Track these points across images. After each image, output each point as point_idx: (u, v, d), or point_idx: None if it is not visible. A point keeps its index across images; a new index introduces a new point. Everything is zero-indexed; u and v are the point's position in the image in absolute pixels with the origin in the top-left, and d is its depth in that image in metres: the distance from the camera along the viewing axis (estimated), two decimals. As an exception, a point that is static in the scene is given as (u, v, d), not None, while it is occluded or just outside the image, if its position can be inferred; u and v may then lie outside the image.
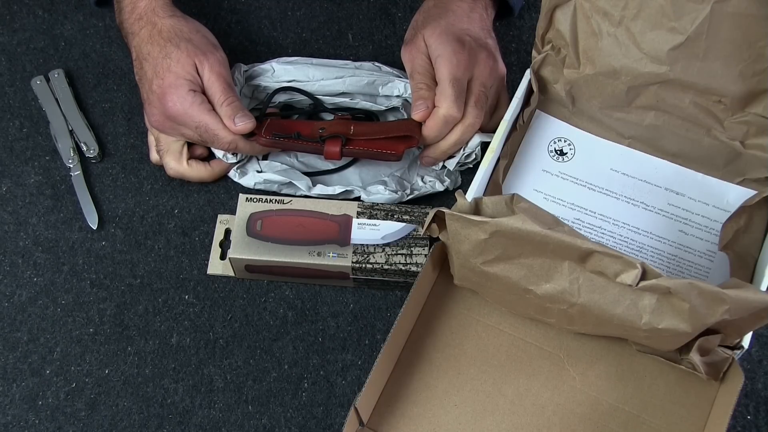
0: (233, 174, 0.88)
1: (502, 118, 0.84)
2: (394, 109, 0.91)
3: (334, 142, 0.83)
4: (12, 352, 0.82)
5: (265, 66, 0.90)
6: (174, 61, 0.82)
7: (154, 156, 0.88)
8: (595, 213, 0.83)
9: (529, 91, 0.87)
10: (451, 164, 0.86)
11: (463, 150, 0.85)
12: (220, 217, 0.87)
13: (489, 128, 0.87)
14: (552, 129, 0.87)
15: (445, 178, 0.87)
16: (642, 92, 0.84)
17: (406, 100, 0.89)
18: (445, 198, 0.88)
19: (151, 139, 0.88)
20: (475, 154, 0.86)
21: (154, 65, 0.83)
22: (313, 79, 0.89)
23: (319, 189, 0.86)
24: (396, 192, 0.86)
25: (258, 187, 0.87)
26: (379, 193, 0.86)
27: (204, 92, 0.84)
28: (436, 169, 0.88)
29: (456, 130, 0.83)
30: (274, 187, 0.87)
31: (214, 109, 0.83)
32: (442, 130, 0.82)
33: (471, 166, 0.88)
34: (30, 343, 0.83)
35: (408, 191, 0.87)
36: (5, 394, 0.81)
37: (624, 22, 0.80)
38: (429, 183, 0.87)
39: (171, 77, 0.82)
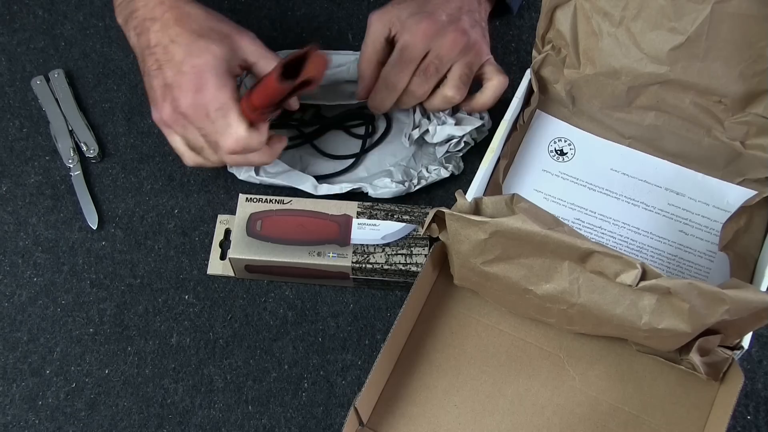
0: (237, 170, 0.88)
1: (487, 96, 0.85)
2: None
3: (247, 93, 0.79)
4: (12, 352, 0.82)
5: None
6: (213, 41, 0.79)
7: (194, 158, 0.83)
8: (595, 213, 0.83)
9: (530, 91, 0.87)
10: (439, 152, 0.87)
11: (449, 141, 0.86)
12: (220, 217, 0.87)
13: (477, 106, 0.87)
14: (552, 129, 0.87)
15: (447, 164, 0.88)
16: (642, 92, 0.84)
17: None
18: (446, 198, 0.88)
19: (179, 141, 0.83)
20: (465, 141, 0.87)
21: (187, 45, 0.79)
22: None
23: (325, 189, 0.86)
24: (403, 183, 0.86)
25: (263, 183, 0.87)
26: (387, 187, 0.86)
27: (242, 71, 0.82)
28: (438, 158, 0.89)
29: (399, 98, 0.85)
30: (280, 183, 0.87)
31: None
32: (382, 92, 0.84)
33: (461, 154, 0.89)
34: (30, 343, 0.83)
35: (415, 181, 0.87)
36: (5, 394, 0.81)
37: (624, 22, 0.80)
38: (434, 171, 0.87)
39: (208, 57, 0.78)
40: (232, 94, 0.78)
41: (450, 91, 0.84)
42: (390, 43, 0.85)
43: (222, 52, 0.79)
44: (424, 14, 0.83)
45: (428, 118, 0.87)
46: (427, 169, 0.88)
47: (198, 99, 0.78)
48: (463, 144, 0.87)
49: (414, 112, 0.88)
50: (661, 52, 0.80)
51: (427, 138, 0.87)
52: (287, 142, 0.84)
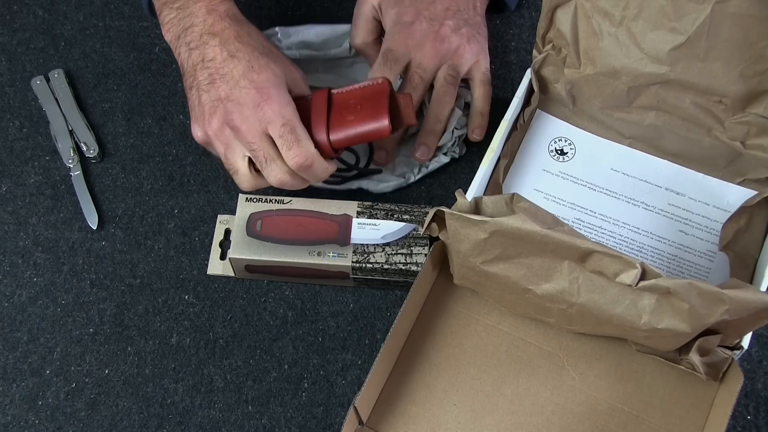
0: None
1: (476, 110, 0.87)
2: None
3: (318, 121, 0.79)
4: (12, 352, 0.82)
5: (269, 31, 0.92)
6: (273, 61, 0.79)
7: (253, 181, 0.82)
8: (595, 213, 0.83)
9: (530, 91, 0.87)
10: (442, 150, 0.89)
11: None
12: (220, 217, 0.87)
13: (474, 122, 0.88)
14: (552, 129, 0.87)
15: (449, 151, 0.89)
16: (642, 92, 0.84)
17: None
18: (446, 197, 0.88)
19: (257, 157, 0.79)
20: (457, 137, 0.88)
21: (248, 61, 0.78)
22: (321, 36, 0.89)
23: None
24: (403, 175, 0.88)
25: None
26: (386, 181, 0.87)
27: None
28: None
29: None
30: None
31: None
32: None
33: (456, 156, 0.90)
34: (30, 343, 0.83)
35: (416, 170, 0.88)
36: (5, 394, 0.81)
37: (625, 22, 0.80)
38: (434, 159, 0.88)
39: (269, 73, 0.78)
40: (295, 112, 0.78)
41: (438, 94, 0.86)
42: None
43: (281, 71, 0.79)
44: (403, 25, 0.85)
45: None
46: None
47: (257, 114, 0.77)
48: (456, 139, 0.88)
49: None
50: (661, 52, 0.80)
51: None
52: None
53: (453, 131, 0.87)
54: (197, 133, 0.80)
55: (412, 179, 0.88)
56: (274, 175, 0.79)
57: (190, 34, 0.81)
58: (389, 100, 0.79)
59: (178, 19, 0.82)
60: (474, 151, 0.90)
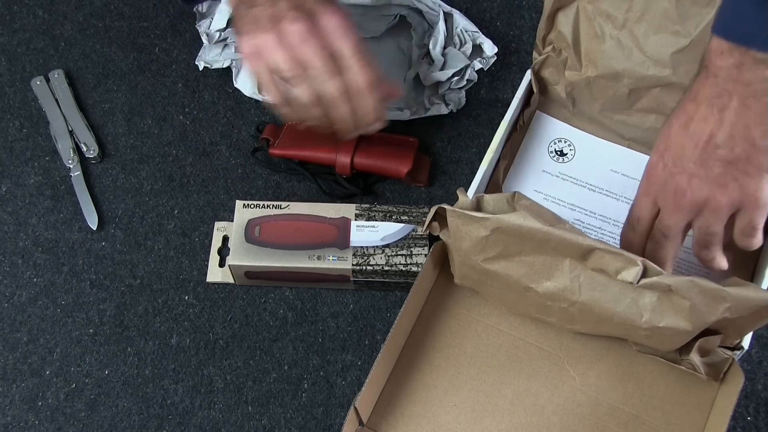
0: (242, 85, 0.91)
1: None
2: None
3: (345, 152, 0.86)
4: (12, 352, 0.82)
5: None
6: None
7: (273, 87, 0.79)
8: (595, 214, 0.83)
9: (530, 92, 0.87)
10: (441, 88, 0.91)
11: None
12: (217, 224, 0.87)
13: None
14: (552, 130, 0.87)
15: (449, 101, 0.91)
16: (644, 95, 0.84)
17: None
18: (446, 198, 0.88)
19: (265, 68, 0.78)
20: (467, 79, 0.91)
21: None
22: None
23: None
24: (401, 109, 0.90)
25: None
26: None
27: None
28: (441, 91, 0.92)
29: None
30: None
31: None
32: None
33: (464, 90, 0.92)
34: (30, 343, 0.83)
35: (413, 110, 0.90)
36: (5, 395, 0.81)
37: (627, 25, 0.81)
38: (435, 105, 0.90)
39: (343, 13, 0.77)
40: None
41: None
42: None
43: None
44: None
45: (423, 61, 0.91)
46: (429, 100, 0.91)
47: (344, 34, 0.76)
48: (465, 82, 0.90)
49: (410, 50, 0.93)
50: (663, 55, 0.80)
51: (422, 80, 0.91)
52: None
53: (452, 76, 0.90)
54: (251, 43, 0.77)
55: (406, 117, 0.89)
56: (329, 87, 0.76)
57: None
58: (415, 152, 0.88)
59: None
60: (474, 152, 0.90)
